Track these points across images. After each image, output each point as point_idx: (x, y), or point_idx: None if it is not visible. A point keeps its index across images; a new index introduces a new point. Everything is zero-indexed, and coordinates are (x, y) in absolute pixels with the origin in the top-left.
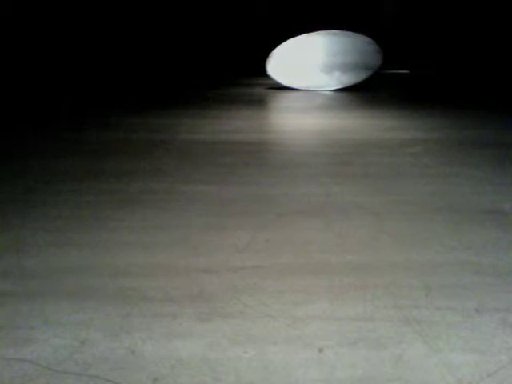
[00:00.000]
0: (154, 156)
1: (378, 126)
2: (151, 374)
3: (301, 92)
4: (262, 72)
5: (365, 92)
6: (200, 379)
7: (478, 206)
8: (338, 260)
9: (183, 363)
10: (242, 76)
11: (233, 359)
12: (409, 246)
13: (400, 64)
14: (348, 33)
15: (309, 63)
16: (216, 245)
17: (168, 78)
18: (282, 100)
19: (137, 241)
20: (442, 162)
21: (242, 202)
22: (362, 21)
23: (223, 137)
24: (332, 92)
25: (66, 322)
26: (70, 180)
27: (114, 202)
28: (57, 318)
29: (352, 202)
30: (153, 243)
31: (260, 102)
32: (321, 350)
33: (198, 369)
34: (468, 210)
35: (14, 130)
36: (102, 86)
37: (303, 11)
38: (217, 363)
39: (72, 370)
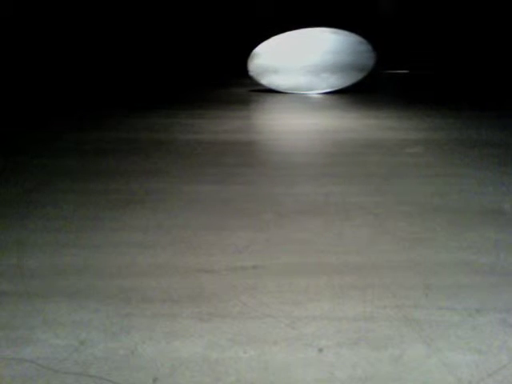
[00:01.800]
0: (154, 156)
1: (378, 127)
2: (151, 374)
3: (293, 95)
4: (245, 73)
5: (363, 93)
6: (200, 379)
7: (478, 205)
8: (338, 260)
9: (183, 363)
10: (243, 76)
11: (233, 359)
12: (409, 246)
13: (399, 64)
14: (337, 31)
15: (294, 64)
16: (216, 245)
17: (168, 78)
18: (282, 101)
19: (137, 241)
20: (442, 162)
21: (242, 201)
22: (357, 19)
23: (223, 137)
24: (322, 95)
25: (66, 322)
26: (70, 180)
27: (114, 202)
28: (57, 317)
29: (352, 202)
30: (153, 243)
31: (260, 103)
32: (321, 350)
33: (198, 369)
34: (468, 210)
35: (13, 129)
36: (102, 86)
37: (294, 8)
38: (217, 363)
39: (72, 370)
